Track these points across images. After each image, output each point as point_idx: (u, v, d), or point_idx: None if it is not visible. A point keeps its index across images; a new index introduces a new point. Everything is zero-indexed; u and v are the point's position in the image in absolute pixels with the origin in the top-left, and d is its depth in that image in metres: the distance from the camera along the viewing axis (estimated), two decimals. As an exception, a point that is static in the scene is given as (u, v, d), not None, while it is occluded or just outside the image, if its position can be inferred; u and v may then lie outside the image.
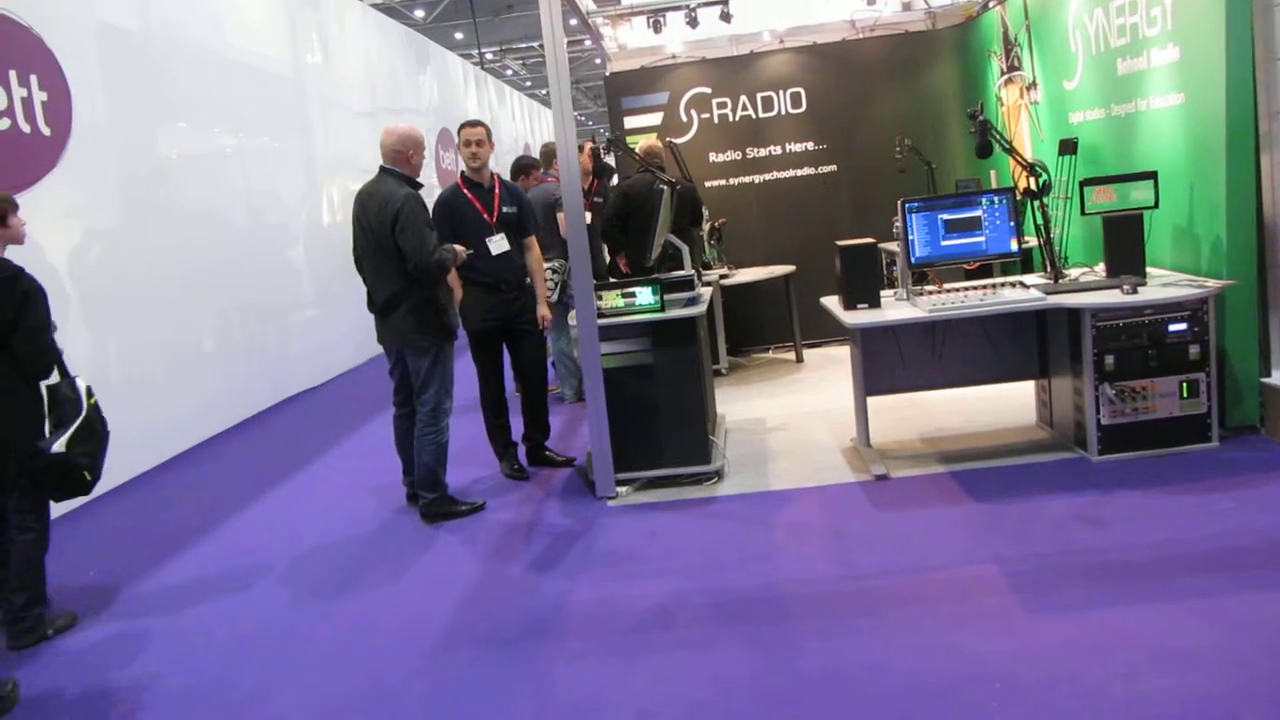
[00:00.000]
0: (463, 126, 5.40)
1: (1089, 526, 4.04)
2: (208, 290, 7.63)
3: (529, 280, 5.48)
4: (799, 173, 8.39)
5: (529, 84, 31.61)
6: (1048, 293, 4.83)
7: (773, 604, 3.68)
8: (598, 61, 27.79)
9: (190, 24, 8.02)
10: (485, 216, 5.27)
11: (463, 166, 5.43)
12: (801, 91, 8.32)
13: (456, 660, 3.54)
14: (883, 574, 3.83)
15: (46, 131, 6.04)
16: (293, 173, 9.59)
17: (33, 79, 5.93)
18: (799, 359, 7.96)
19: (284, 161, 9.37)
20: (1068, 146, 5.77)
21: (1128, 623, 3.21)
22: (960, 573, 3.74)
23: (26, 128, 5.86)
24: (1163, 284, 4.82)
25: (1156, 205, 5.03)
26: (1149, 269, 5.02)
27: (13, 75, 5.78)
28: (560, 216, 6.40)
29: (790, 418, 6.23)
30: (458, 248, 4.90)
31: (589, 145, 7.01)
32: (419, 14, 21.15)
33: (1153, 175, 5.02)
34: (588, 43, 22.74)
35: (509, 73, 29.39)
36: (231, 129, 8.52)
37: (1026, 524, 4.13)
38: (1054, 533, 4.01)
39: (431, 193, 5.33)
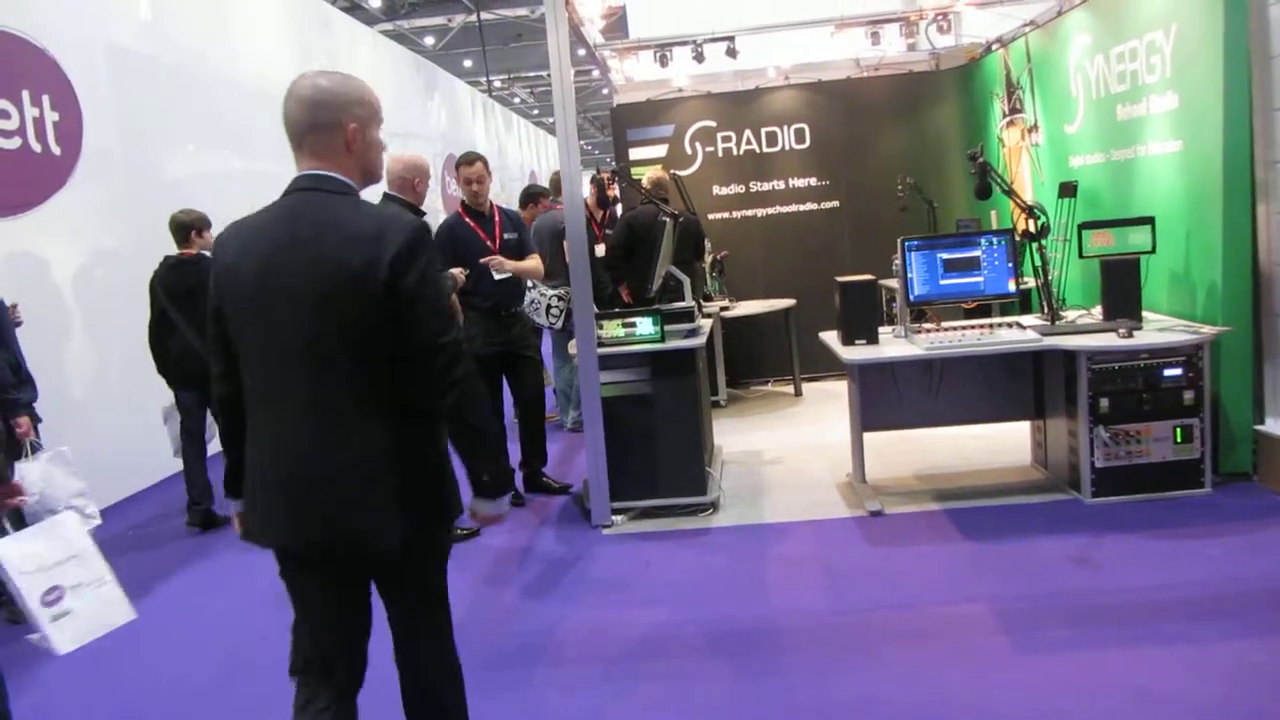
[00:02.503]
0: (461, 164, 5.44)
1: (1080, 568, 4.06)
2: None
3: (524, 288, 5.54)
4: (801, 207, 8.47)
5: (536, 112, 31.86)
6: (1044, 334, 4.88)
7: (764, 636, 3.70)
8: (604, 92, 28.04)
9: (202, 48, 8.13)
10: (489, 244, 5.32)
11: (462, 196, 5.50)
12: (805, 127, 8.42)
13: (448, 685, 3.55)
14: (874, 609, 3.85)
15: (57, 151, 6.12)
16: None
17: (45, 99, 6.02)
18: (798, 393, 8.00)
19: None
20: (1067, 189, 5.84)
21: (1112, 665, 3.23)
22: (951, 610, 3.76)
23: (38, 147, 5.94)
24: (1159, 329, 4.87)
25: (1154, 250, 5.08)
26: (1145, 313, 5.06)
27: (25, 95, 5.86)
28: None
29: (787, 451, 6.26)
30: (455, 272, 4.95)
31: (594, 191, 7.06)
32: (429, 41, 21.37)
33: (1150, 220, 5.07)
34: (595, 73, 22.98)
35: (517, 100, 29.63)
36: (240, 152, 8.61)
37: (1018, 564, 4.15)
38: (1045, 573, 4.03)
39: (435, 218, 5.39)
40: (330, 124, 2.28)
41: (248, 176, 8.66)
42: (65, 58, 6.20)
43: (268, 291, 2.22)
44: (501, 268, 5.24)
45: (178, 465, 5.69)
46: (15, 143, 5.79)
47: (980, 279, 5.10)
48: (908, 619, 3.73)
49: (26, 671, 3.85)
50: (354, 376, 2.21)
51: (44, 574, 3.00)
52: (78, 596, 3.05)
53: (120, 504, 6.35)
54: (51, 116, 6.08)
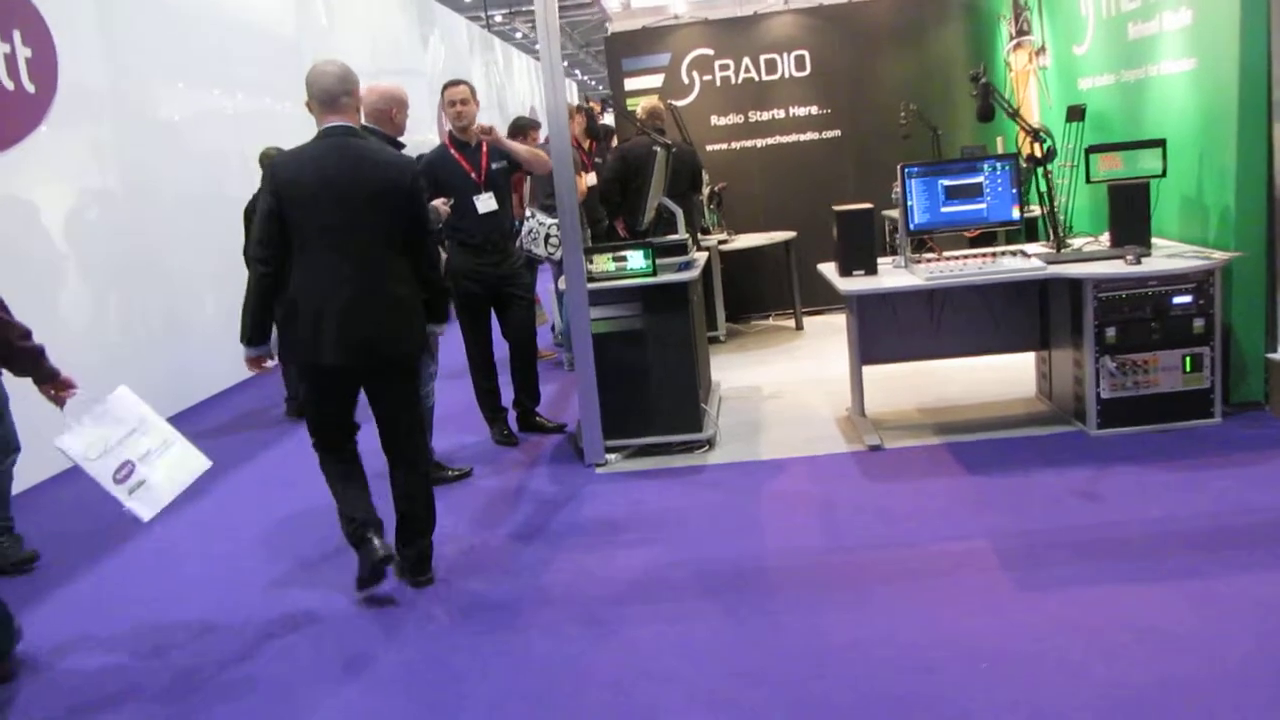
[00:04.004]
0: (446, 86, 5.30)
1: (1083, 502, 3.94)
2: (207, 253, 7.53)
3: (518, 239, 5.40)
4: (802, 137, 8.22)
5: (538, 47, 31.34)
6: (1049, 262, 4.70)
7: (755, 576, 3.60)
8: (607, 26, 27.49)
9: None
10: (473, 176, 5.15)
11: (449, 127, 5.31)
12: (806, 54, 8.14)
13: (433, 630, 3.47)
14: (870, 547, 3.75)
15: (31, 88, 5.92)
16: (291, 136, 9.40)
17: (15, 34, 5.80)
18: (799, 326, 7.85)
19: (282, 124, 9.21)
20: (1075, 113, 5.62)
21: (1115, 602, 3.12)
22: (950, 547, 3.65)
23: (10, 84, 5.75)
24: (1168, 255, 4.69)
25: (1164, 174, 4.87)
26: (1155, 239, 4.88)
27: (-8, 30, 5.66)
28: None
29: (786, 386, 6.13)
30: (438, 203, 4.78)
31: (583, 120, 6.85)
32: (425, -26, 20.87)
33: (1161, 143, 4.86)
34: (596, 5, 22.45)
35: (519, 35, 29.09)
36: (228, 90, 8.39)
37: (1020, 498, 4.03)
38: (1048, 508, 3.91)
39: (419, 152, 5.22)
40: (351, 92, 3.60)
41: (238, 113, 8.46)
42: (37, -10, 5.98)
43: (328, 194, 3.44)
44: (498, 141, 5.11)
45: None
46: (-14, 80, 5.61)
47: (983, 206, 4.91)
48: (904, 557, 3.63)
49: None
50: (386, 250, 3.56)
51: (111, 455, 3.26)
52: (148, 465, 3.32)
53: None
54: (24, 52, 5.87)
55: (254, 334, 3.59)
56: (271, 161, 3.54)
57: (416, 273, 3.64)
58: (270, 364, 3.70)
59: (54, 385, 3.35)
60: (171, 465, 3.38)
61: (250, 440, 6.23)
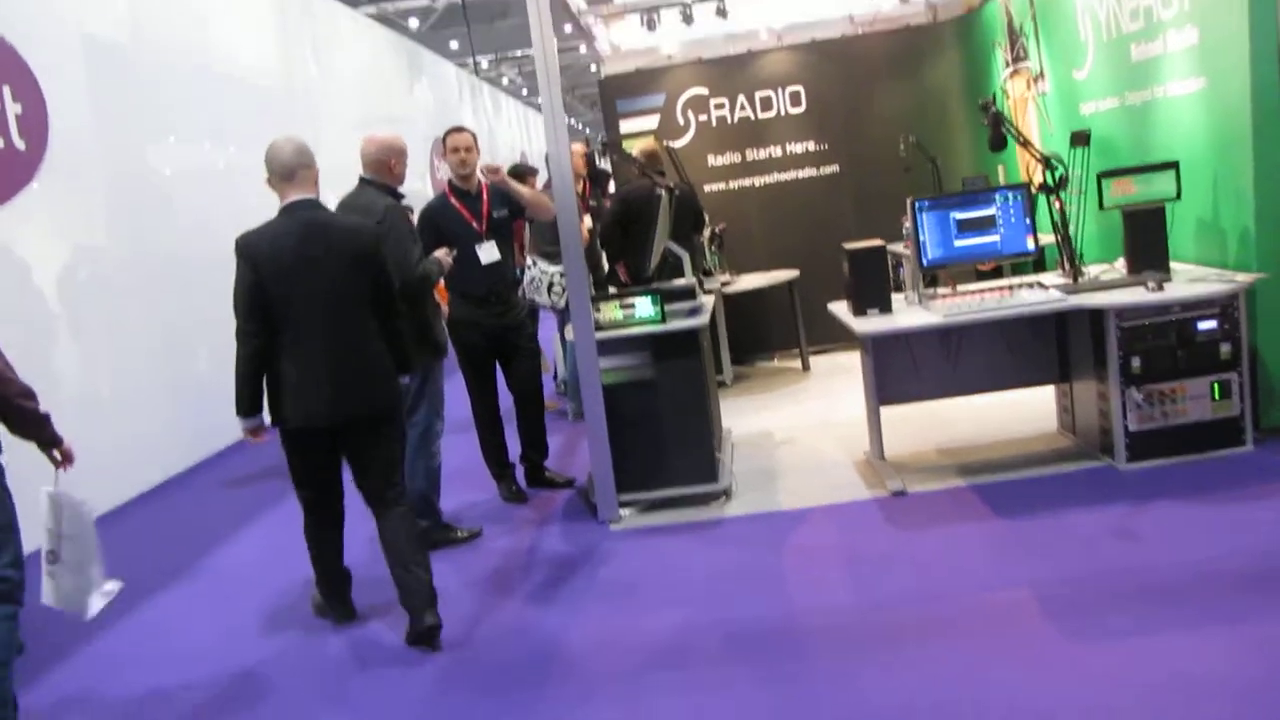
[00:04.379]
0: (449, 133, 5.16)
1: (1123, 542, 3.78)
2: (200, 305, 7.38)
3: (520, 288, 5.28)
4: (800, 174, 8.14)
5: (525, 92, 31.41)
6: (1068, 292, 4.58)
7: (788, 637, 3.43)
8: (594, 69, 27.65)
9: (178, 34, 7.80)
10: (474, 225, 5.02)
11: (450, 175, 5.19)
12: (801, 90, 8.07)
13: (452, 706, 3.30)
14: (905, 601, 3.58)
15: (20, 145, 5.81)
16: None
17: (5, 90, 5.70)
18: (805, 367, 7.71)
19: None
20: (1080, 138, 5.50)
21: (1167, 653, 2.95)
22: (990, 598, 3.49)
23: (0, 142, 5.64)
24: (1189, 280, 4.57)
25: (1179, 196, 4.76)
26: (1173, 264, 4.77)
27: (-18, 87, 5.56)
28: None
29: (798, 430, 5.98)
30: (440, 254, 4.66)
31: (582, 149, 6.77)
32: (413, 23, 20.95)
33: (1174, 165, 4.76)
34: (582, 49, 22.56)
35: (505, 81, 29.20)
36: (220, 141, 8.29)
37: (1057, 541, 3.87)
38: (1087, 551, 3.75)
39: (422, 202, 5.10)
40: (309, 165, 3.79)
41: (229, 167, 8.36)
42: (26, 46, 5.88)
43: (301, 267, 3.64)
44: (504, 183, 4.99)
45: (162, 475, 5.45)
46: (-25, 137, 5.49)
47: (997, 238, 4.80)
48: (942, 610, 3.46)
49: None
50: (357, 312, 3.75)
51: (53, 537, 3.44)
52: (64, 570, 3.45)
53: (119, 509, 6.09)
54: (14, 109, 5.77)
55: (250, 405, 3.74)
56: (245, 240, 3.68)
57: (382, 327, 3.82)
58: (265, 436, 3.83)
59: (59, 452, 3.40)
60: (72, 588, 3.49)
61: (250, 498, 6.05)
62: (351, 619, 4.04)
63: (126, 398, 6.55)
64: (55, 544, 3.42)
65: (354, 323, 3.73)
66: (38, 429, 3.31)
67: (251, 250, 3.65)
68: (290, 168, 3.72)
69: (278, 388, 3.71)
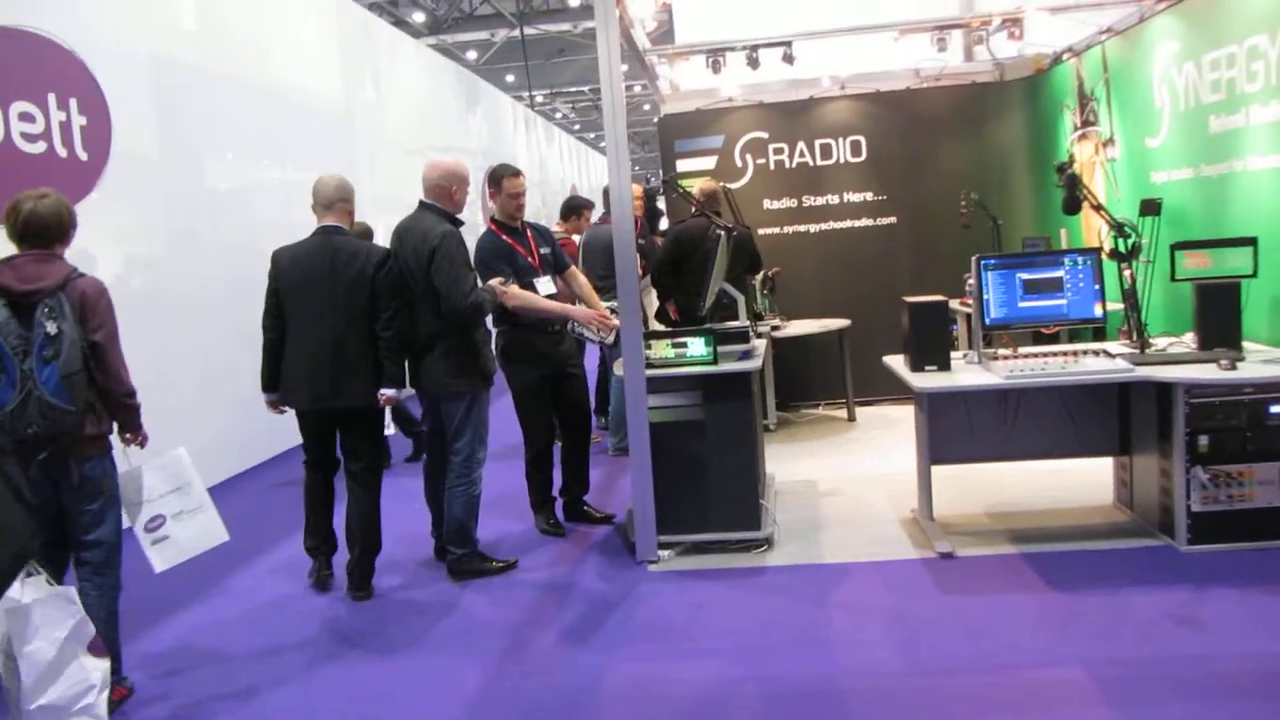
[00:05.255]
0: (509, 176, 5.05)
1: (1183, 628, 3.62)
2: (251, 324, 7.41)
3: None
4: (856, 223, 8.06)
5: (578, 127, 31.72)
6: (1135, 363, 4.44)
7: (829, 700, 3.30)
8: (646, 108, 27.81)
9: (241, 55, 7.90)
10: (529, 260, 5.00)
11: (496, 213, 5.15)
12: (862, 140, 8.02)
13: (478, 745, 3.20)
14: (954, 670, 3.44)
15: (83, 156, 5.87)
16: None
17: (72, 102, 5.78)
18: (851, 417, 7.58)
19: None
20: (1150, 207, 5.40)
21: (1244, 750, 2.81)
22: (1042, 675, 3.34)
23: (63, 151, 5.70)
24: (1263, 360, 4.42)
25: (1255, 274, 4.64)
26: (1245, 343, 4.62)
27: (52, 98, 5.63)
28: None
29: (844, 482, 5.85)
30: (495, 284, 4.62)
31: (640, 190, 6.73)
32: (472, 55, 21.23)
33: (1253, 241, 4.63)
34: (637, 88, 22.71)
35: (558, 115, 29.49)
36: (277, 161, 8.37)
37: (1114, 620, 3.72)
38: (1146, 633, 3.60)
39: (474, 231, 5.07)
40: (346, 199, 4.57)
41: (286, 185, 8.42)
42: (96, 61, 5.96)
43: (309, 280, 4.42)
44: (506, 298, 4.81)
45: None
46: (40, 147, 5.55)
47: (1064, 301, 4.68)
48: (993, 684, 3.32)
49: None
50: (350, 323, 4.39)
51: (150, 505, 3.72)
52: (178, 523, 3.76)
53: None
54: (79, 120, 5.84)
55: (267, 384, 4.60)
56: (275, 252, 4.54)
57: (372, 335, 4.41)
58: (285, 410, 4.62)
59: (135, 438, 3.67)
60: (196, 530, 3.81)
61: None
62: (325, 584, 4.70)
63: (174, 405, 6.55)
64: (153, 510, 3.73)
65: (338, 331, 4.37)
66: (132, 424, 3.62)
67: (275, 260, 4.53)
68: (330, 200, 4.51)
69: (283, 371, 4.53)
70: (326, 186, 4.50)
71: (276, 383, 4.54)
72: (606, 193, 6.44)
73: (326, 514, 4.72)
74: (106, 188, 6.04)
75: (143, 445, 3.69)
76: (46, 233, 3.43)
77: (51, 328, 3.25)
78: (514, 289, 4.82)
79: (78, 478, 3.42)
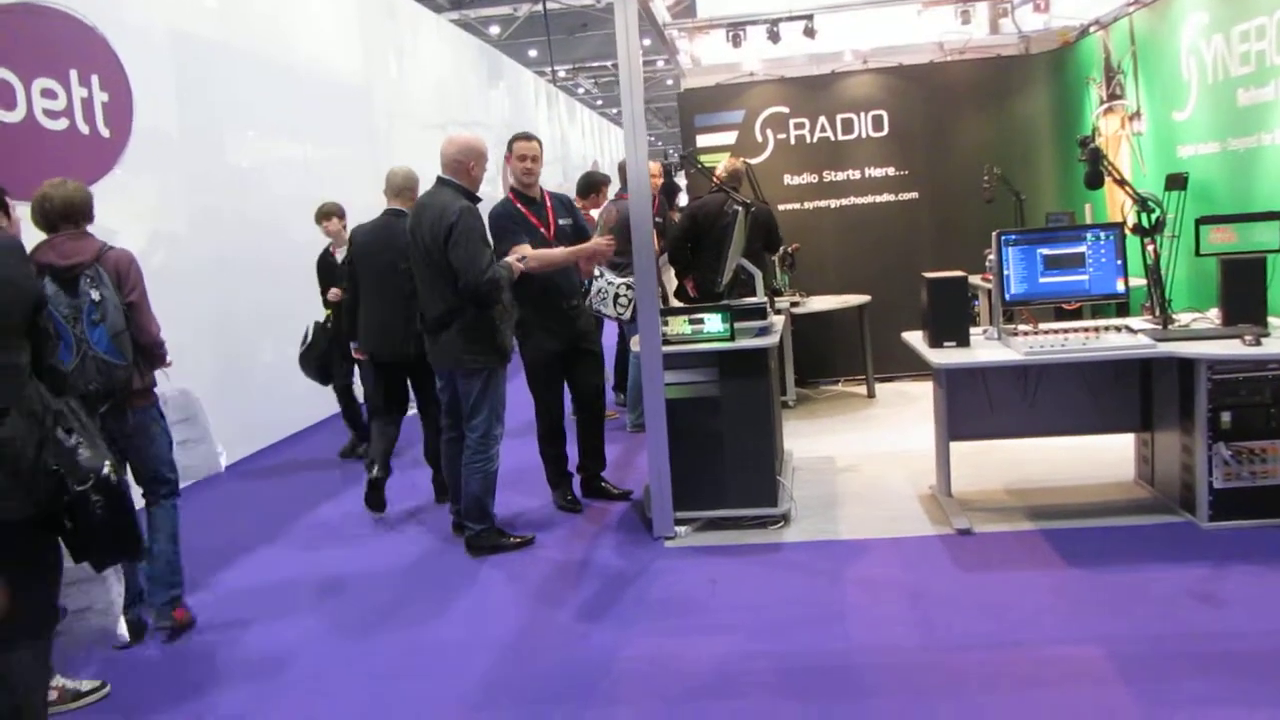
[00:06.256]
0: (517, 139, 5.07)
1: (1203, 605, 3.60)
2: (272, 300, 7.46)
3: (587, 298, 5.23)
4: (878, 199, 8.00)
5: (600, 102, 31.56)
6: (1158, 339, 4.40)
7: (845, 675, 3.31)
8: (669, 83, 27.65)
9: (263, 32, 7.91)
10: (543, 231, 4.98)
11: (512, 181, 5.14)
12: (884, 114, 7.94)
13: (493, 717, 3.22)
14: (969, 646, 3.43)
15: (105, 133, 5.90)
16: (359, 184, 9.42)
17: (94, 79, 5.80)
18: (870, 394, 7.55)
19: (351, 172, 9.22)
20: (1176, 181, 5.35)
21: (1262, 728, 2.79)
22: (1059, 651, 3.33)
23: (85, 128, 5.73)
24: (1288, 336, 4.36)
25: (1281, 249, 4.57)
26: (1271, 319, 4.56)
27: (73, 75, 5.65)
28: None
29: (862, 458, 5.83)
30: (512, 260, 4.61)
31: (658, 167, 6.71)
32: (494, 30, 21.13)
33: (1279, 216, 4.56)
34: (660, 63, 22.58)
35: (581, 90, 29.35)
36: (298, 138, 8.38)
37: (1132, 597, 3.70)
38: (1164, 610, 3.57)
39: (491, 205, 5.07)
40: (412, 188, 5.37)
41: (307, 161, 8.45)
42: (118, 38, 5.98)
43: (374, 253, 5.28)
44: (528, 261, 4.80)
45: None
46: (62, 124, 5.58)
47: (1085, 277, 4.63)
48: (1010, 660, 3.31)
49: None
50: (402, 287, 5.02)
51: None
52: (183, 450, 4.24)
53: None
54: (101, 97, 5.86)
55: (349, 333, 5.64)
56: (354, 229, 5.50)
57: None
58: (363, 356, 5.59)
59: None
60: (198, 459, 4.40)
61: (307, 486, 6.06)
62: (380, 508, 5.40)
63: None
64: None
65: (394, 294, 5.13)
66: (161, 362, 4.05)
67: (352, 236, 5.48)
68: (399, 188, 5.37)
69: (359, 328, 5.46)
70: (397, 176, 5.39)
71: (355, 333, 5.47)
72: (623, 168, 6.41)
73: (390, 446, 5.46)
74: (128, 164, 6.07)
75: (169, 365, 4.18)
76: (78, 213, 3.79)
77: (95, 295, 3.66)
78: (525, 248, 4.77)
79: (132, 424, 3.91)
